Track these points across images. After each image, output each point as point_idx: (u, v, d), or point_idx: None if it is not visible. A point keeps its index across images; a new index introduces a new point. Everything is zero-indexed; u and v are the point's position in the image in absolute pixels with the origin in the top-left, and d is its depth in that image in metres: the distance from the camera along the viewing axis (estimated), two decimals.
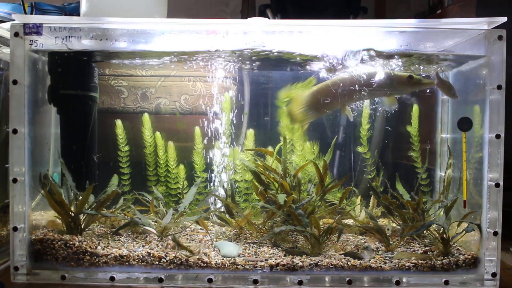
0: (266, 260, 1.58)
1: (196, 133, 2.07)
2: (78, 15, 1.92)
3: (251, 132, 2.07)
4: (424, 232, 1.80)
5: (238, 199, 2.02)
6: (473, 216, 1.63)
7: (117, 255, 1.57)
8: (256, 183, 1.87)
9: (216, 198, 1.99)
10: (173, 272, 1.56)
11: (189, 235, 1.84)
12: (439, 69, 1.87)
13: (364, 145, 2.08)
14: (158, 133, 2.09)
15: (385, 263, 1.58)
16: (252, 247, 1.71)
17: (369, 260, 1.60)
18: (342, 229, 1.69)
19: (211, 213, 2.00)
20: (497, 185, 1.54)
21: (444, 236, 1.65)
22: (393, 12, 3.06)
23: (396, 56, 1.78)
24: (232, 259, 1.59)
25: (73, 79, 1.83)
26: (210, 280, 1.54)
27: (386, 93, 1.89)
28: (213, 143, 2.07)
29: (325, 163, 1.85)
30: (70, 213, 1.67)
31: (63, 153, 1.84)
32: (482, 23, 1.56)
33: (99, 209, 1.72)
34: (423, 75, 1.88)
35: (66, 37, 1.59)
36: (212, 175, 2.08)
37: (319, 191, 1.84)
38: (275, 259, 1.58)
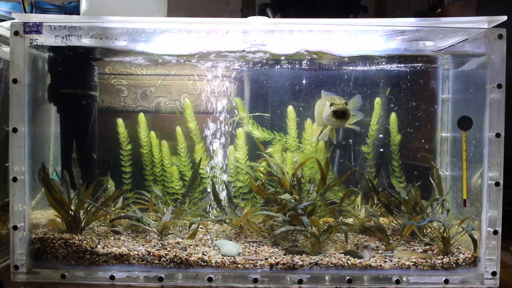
0: (266, 259, 1.58)
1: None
2: (78, 14, 1.92)
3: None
4: (424, 231, 1.80)
5: (236, 200, 2.02)
6: (474, 214, 1.63)
7: (117, 254, 1.58)
8: (257, 185, 1.88)
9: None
10: (173, 271, 1.56)
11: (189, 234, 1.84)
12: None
13: (368, 145, 2.08)
14: (152, 133, 2.08)
15: (385, 262, 1.58)
16: (252, 246, 1.71)
17: (369, 259, 1.60)
18: (347, 231, 1.69)
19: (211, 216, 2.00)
20: (497, 184, 1.54)
21: (444, 235, 1.65)
22: (393, 11, 3.06)
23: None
24: (232, 258, 1.59)
25: (73, 78, 1.83)
26: (210, 279, 1.54)
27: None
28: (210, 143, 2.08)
29: (327, 160, 1.85)
30: (70, 211, 1.67)
31: (63, 152, 1.84)
32: (482, 22, 1.56)
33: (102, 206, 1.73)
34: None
35: (66, 36, 1.59)
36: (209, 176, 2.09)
37: (320, 189, 1.84)
38: (275, 258, 1.58)
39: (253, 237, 1.82)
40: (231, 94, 2.09)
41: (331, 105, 1.73)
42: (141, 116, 2.08)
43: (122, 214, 1.83)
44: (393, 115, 2.05)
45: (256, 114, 2.05)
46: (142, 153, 2.09)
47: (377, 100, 2.05)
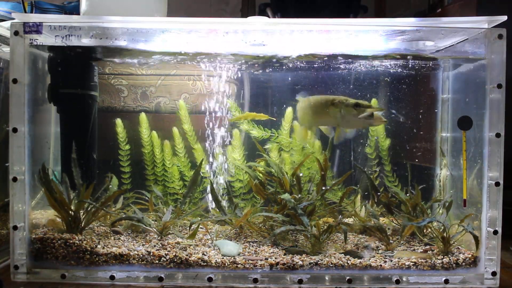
0: (266, 259, 1.58)
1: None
2: (78, 13, 1.92)
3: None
4: (424, 231, 1.80)
5: (236, 200, 2.02)
6: (474, 214, 1.63)
7: (117, 254, 1.57)
8: (256, 185, 1.88)
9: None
10: (173, 271, 1.56)
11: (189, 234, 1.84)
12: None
13: (371, 146, 2.08)
14: (154, 133, 2.09)
15: (385, 262, 1.58)
16: (252, 246, 1.71)
17: (369, 259, 1.60)
18: (346, 231, 1.69)
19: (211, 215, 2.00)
20: (497, 184, 1.54)
21: (444, 235, 1.65)
22: (393, 11, 3.06)
23: None
24: (232, 258, 1.59)
25: (73, 78, 1.83)
26: (210, 279, 1.54)
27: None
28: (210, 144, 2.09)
29: (325, 158, 1.85)
30: (70, 212, 1.67)
31: (63, 152, 1.84)
32: (482, 22, 1.56)
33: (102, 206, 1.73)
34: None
35: (66, 36, 1.59)
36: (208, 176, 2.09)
37: (320, 189, 1.84)
38: (275, 258, 1.58)
39: (253, 237, 1.82)
40: (231, 94, 2.10)
41: (356, 105, 1.74)
42: (143, 116, 2.08)
43: (124, 216, 1.82)
44: None
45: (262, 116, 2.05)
46: (144, 153, 2.10)
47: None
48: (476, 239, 1.57)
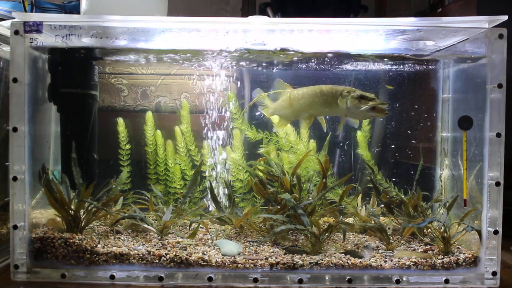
0: (266, 258, 1.58)
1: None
2: (78, 13, 1.92)
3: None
4: (425, 231, 1.80)
5: (236, 200, 2.02)
6: (474, 214, 1.63)
7: (117, 253, 1.57)
8: (256, 184, 1.88)
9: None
10: (173, 270, 1.56)
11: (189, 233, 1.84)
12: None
13: (363, 147, 2.08)
14: (158, 132, 2.08)
15: (385, 261, 1.58)
16: (252, 246, 1.71)
17: (370, 258, 1.60)
18: (345, 229, 1.69)
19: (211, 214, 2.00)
20: (497, 183, 1.54)
21: (445, 234, 1.65)
22: (393, 10, 3.05)
23: None
24: (232, 257, 1.59)
25: (73, 77, 1.83)
26: (210, 279, 1.54)
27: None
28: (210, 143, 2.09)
29: (326, 158, 1.85)
30: (70, 211, 1.67)
31: (63, 151, 1.84)
32: (482, 22, 1.56)
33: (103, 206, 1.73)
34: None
35: (66, 35, 1.59)
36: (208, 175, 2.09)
37: (320, 189, 1.84)
38: (275, 258, 1.58)
39: (253, 237, 1.82)
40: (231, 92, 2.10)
41: (361, 98, 1.73)
42: (149, 114, 2.08)
43: (126, 215, 1.82)
44: (359, 133, 2.06)
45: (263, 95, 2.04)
46: (147, 152, 2.09)
47: None
48: (479, 233, 1.57)
